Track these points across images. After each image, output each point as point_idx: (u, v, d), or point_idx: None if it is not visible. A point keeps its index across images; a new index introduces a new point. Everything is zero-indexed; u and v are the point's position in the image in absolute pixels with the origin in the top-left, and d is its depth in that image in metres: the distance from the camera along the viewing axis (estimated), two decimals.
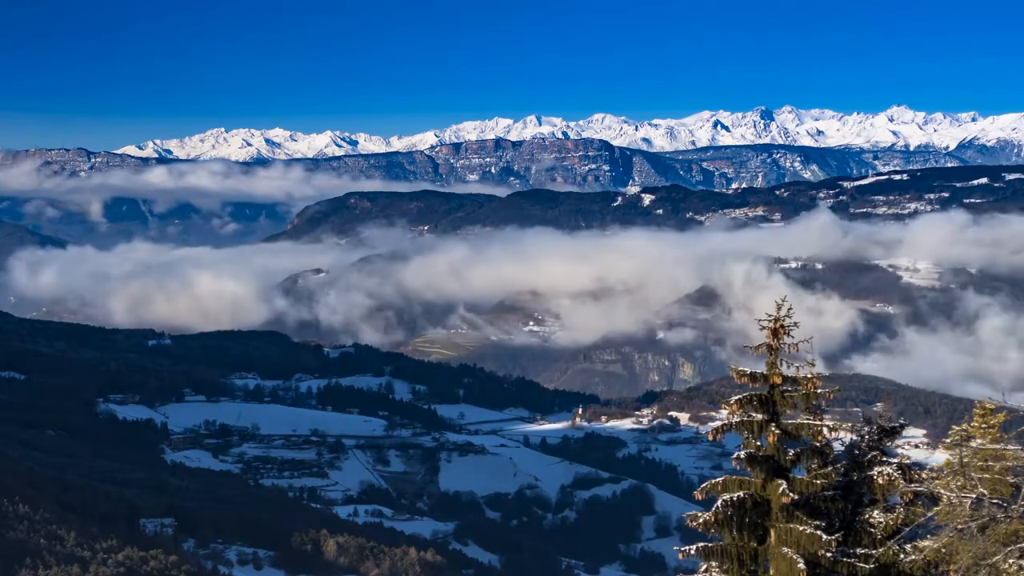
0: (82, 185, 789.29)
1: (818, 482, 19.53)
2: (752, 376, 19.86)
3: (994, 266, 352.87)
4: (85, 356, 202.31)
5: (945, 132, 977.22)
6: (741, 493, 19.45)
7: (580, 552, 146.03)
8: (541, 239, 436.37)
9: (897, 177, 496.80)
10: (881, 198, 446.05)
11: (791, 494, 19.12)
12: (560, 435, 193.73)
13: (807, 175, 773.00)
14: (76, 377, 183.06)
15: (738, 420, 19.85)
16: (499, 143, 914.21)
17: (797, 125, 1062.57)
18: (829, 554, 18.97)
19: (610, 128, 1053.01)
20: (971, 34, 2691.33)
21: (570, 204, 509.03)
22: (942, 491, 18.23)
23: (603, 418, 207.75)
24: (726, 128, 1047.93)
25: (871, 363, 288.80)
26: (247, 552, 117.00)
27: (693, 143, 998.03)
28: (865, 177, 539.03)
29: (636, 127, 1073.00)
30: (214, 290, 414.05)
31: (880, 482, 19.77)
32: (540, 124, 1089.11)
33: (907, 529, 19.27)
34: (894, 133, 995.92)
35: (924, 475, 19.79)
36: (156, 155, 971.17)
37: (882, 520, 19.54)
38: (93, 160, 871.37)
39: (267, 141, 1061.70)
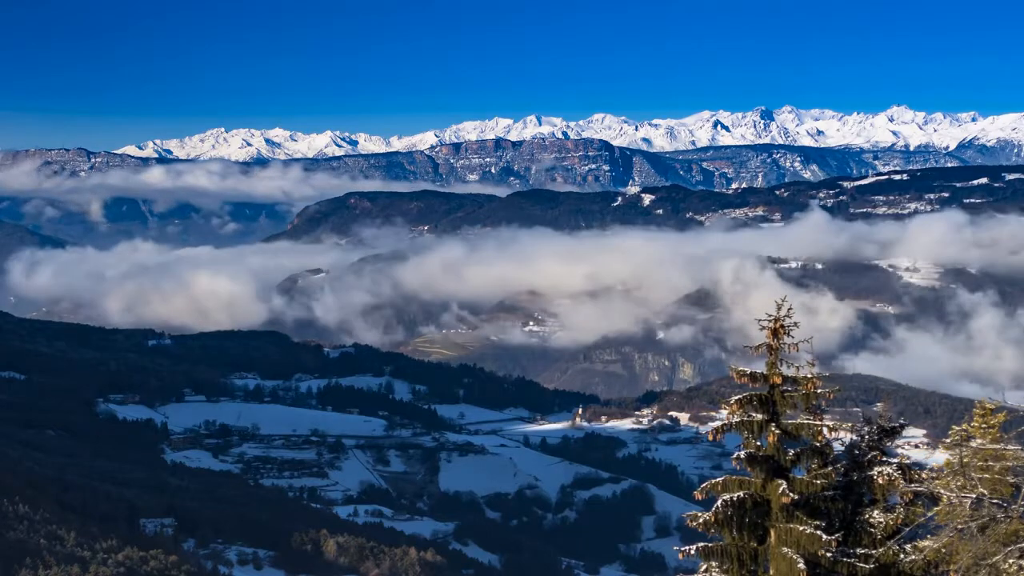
0: (82, 185, 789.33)
1: (818, 482, 19.53)
2: (752, 376, 19.87)
3: (994, 266, 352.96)
4: (85, 356, 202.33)
5: (945, 132, 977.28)
6: (741, 493, 19.45)
7: (580, 552, 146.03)
8: (541, 239, 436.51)
9: (897, 177, 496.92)
10: (881, 198, 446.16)
11: (791, 494, 19.13)
12: (560, 435, 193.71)
13: (807, 175, 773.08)
14: (76, 377, 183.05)
15: (738, 420, 19.86)
16: (499, 143, 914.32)
17: (797, 125, 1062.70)
18: (829, 554, 18.98)
19: (610, 128, 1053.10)
20: (971, 34, 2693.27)
21: (570, 204, 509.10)
22: (942, 491, 18.23)
23: (603, 418, 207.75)
24: (726, 128, 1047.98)
25: (871, 363, 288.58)
26: (247, 552, 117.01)
27: (693, 143, 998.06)
28: (865, 177, 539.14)
29: (636, 127, 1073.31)
30: (214, 290, 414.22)
31: (880, 482, 19.77)
32: (540, 124, 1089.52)
33: (907, 529, 19.27)
34: (894, 133, 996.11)
35: (924, 475, 19.79)
36: (156, 155, 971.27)
37: (882, 520, 19.55)
38: (93, 160, 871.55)
39: (267, 141, 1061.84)
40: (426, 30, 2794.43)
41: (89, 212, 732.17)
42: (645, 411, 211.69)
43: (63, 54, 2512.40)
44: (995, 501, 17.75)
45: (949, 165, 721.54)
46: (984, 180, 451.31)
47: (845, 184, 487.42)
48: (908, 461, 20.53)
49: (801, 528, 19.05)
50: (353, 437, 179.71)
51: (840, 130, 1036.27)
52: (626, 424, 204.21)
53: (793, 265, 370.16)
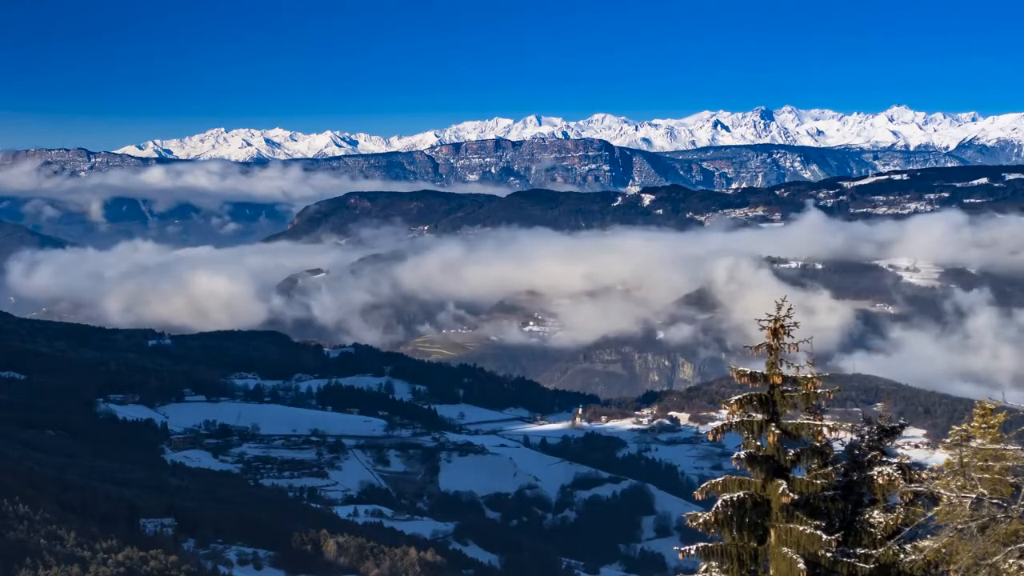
0: (82, 185, 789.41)
1: (818, 482, 19.53)
2: (752, 376, 19.86)
3: (994, 266, 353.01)
4: (85, 356, 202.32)
5: (945, 132, 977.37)
6: (741, 493, 19.45)
7: (580, 552, 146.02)
8: (541, 239, 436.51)
9: (897, 177, 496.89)
10: (881, 198, 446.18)
11: (791, 494, 19.13)
12: (560, 435, 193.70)
13: (807, 175, 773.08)
14: (76, 377, 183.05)
15: (738, 420, 19.85)
16: (499, 143, 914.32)
17: (797, 125, 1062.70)
18: (829, 554, 18.97)
19: (610, 128, 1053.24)
20: (971, 34, 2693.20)
21: (570, 204, 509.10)
22: (942, 491, 18.23)
23: (603, 418, 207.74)
24: (726, 128, 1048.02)
25: (871, 363, 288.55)
26: (247, 552, 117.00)
27: (693, 143, 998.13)
28: (865, 177, 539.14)
29: (636, 127, 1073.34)
30: (214, 290, 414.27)
31: (880, 482, 19.77)
32: (540, 124, 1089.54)
33: (907, 529, 19.27)
34: (894, 133, 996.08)
35: (924, 475, 19.78)
36: (156, 155, 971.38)
37: (882, 520, 19.54)
38: (93, 160, 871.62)
39: (267, 141, 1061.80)
40: (426, 30, 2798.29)
41: (89, 212, 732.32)
42: (645, 411, 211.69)
43: (63, 54, 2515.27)
44: (995, 501, 17.75)
45: (949, 165, 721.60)
46: (984, 180, 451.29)
47: (845, 184, 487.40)
48: (908, 461, 20.52)
49: (801, 528, 19.05)
50: (353, 437, 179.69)
51: (840, 130, 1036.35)
52: (626, 424, 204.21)
53: (793, 265, 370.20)
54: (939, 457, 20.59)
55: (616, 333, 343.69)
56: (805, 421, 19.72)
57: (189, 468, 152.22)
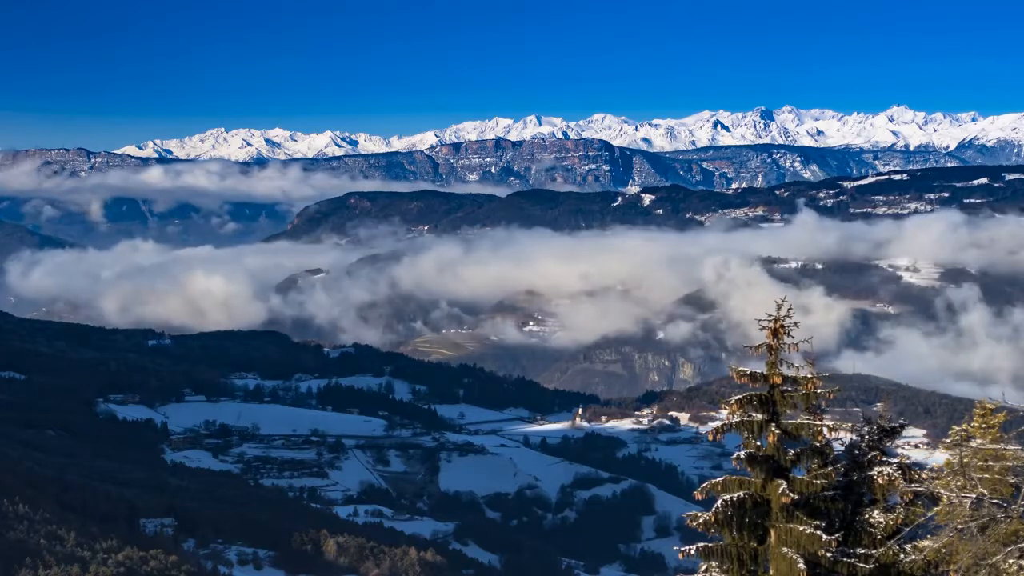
0: (82, 185, 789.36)
1: (818, 482, 19.53)
2: (752, 376, 19.86)
3: (994, 266, 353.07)
4: (85, 356, 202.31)
5: (945, 132, 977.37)
6: (741, 493, 19.45)
7: (580, 552, 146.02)
8: (541, 239, 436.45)
9: (897, 177, 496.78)
10: (881, 198, 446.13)
11: (791, 494, 19.13)
12: (560, 435, 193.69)
13: (807, 175, 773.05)
14: (76, 377, 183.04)
15: (738, 420, 19.86)
16: (499, 143, 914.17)
17: (797, 125, 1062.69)
18: (829, 554, 18.97)
19: (610, 128, 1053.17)
20: (971, 34, 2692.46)
21: (570, 204, 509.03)
22: (942, 491, 18.23)
23: (603, 418, 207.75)
24: (726, 128, 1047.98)
25: (871, 363, 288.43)
26: (247, 552, 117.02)
27: (693, 143, 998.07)
28: (865, 177, 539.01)
29: (636, 127, 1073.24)
30: (214, 290, 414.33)
31: (880, 482, 19.77)
32: (540, 124, 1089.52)
33: (907, 529, 19.27)
34: (894, 133, 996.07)
35: (924, 475, 19.78)
36: (156, 155, 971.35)
37: (882, 520, 19.54)
38: (93, 160, 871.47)
39: (267, 141, 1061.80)
40: (426, 30, 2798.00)
41: (89, 212, 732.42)
42: (645, 411, 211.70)
43: (63, 54, 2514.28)
44: (995, 501, 17.75)
45: (949, 165, 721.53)
46: (984, 180, 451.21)
47: (845, 184, 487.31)
48: (908, 461, 20.52)
49: (801, 528, 19.05)
50: (353, 437, 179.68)
51: (840, 130, 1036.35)
52: (626, 424, 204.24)
53: (793, 265, 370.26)
54: (939, 457, 20.59)
55: (616, 333, 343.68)
56: (805, 421, 19.72)
57: (189, 468, 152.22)
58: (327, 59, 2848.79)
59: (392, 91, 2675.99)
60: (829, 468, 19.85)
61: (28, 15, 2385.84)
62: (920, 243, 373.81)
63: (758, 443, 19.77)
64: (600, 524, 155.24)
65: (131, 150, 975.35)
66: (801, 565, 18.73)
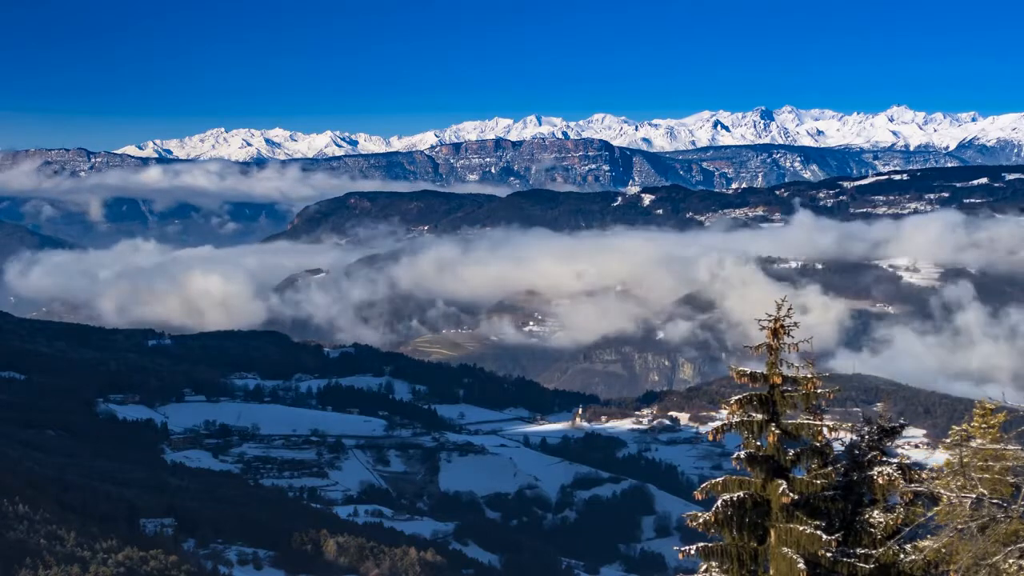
0: (82, 185, 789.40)
1: (818, 482, 19.53)
2: (752, 376, 19.86)
3: (993, 266, 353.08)
4: (85, 356, 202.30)
5: (945, 132, 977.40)
6: (741, 493, 19.45)
7: (580, 552, 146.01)
8: (541, 239, 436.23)
9: (897, 177, 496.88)
10: (881, 198, 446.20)
11: (791, 494, 19.13)
12: (560, 435, 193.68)
13: (807, 175, 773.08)
14: (76, 377, 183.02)
15: (738, 420, 19.86)
16: (499, 143, 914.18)
17: (797, 125, 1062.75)
18: (829, 554, 18.97)
19: (610, 128, 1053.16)
20: (971, 34, 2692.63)
21: (570, 204, 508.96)
22: (942, 491, 18.23)
23: (603, 418, 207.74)
24: (726, 128, 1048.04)
25: (871, 363, 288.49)
26: (247, 552, 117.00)
27: (693, 143, 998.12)
28: (865, 177, 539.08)
29: (636, 127, 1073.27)
30: (213, 290, 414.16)
31: (880, 482, 19.77)
32: (540, 124, 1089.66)
33: (907, 529, 19.27)
34: (894, 133, 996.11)
35: (924, 475, 19.78)
36: (156, 155, 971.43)
37: (882, 520, 19.55)
38: (93, 160, 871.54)
39: (267, 141, 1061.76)
40: (426, 30, 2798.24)
41: (89, 212, 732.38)
42: (645, 411, 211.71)
43: (63, 54, 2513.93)
44: (995, 501, 17.75)
45: (949, 165, 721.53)
46: (984, 180, 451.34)
47: (845, 184, 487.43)
48: (908, 461, 20.53)
49: (801, 528, 19.05)
50: (353, 437, 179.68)
51: (840, 130, 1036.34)
52: (626, 424, 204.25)
53: (792, 265, 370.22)
54: (939, 457, 20.59)
55: (616, 333, 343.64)
56: (805, 421, 19.72)
57: (189, 468, 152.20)
58: (327, 59, 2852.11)
59: (392, 91, 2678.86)
60: (829, 468, 19.85)
61: (28, 15, 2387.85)
62: (919, 243, 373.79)
63: (758, 443, 19.77)
64: (600, 524, 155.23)
65: (131, 150, 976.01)
66: (801, 565, 18.73)
